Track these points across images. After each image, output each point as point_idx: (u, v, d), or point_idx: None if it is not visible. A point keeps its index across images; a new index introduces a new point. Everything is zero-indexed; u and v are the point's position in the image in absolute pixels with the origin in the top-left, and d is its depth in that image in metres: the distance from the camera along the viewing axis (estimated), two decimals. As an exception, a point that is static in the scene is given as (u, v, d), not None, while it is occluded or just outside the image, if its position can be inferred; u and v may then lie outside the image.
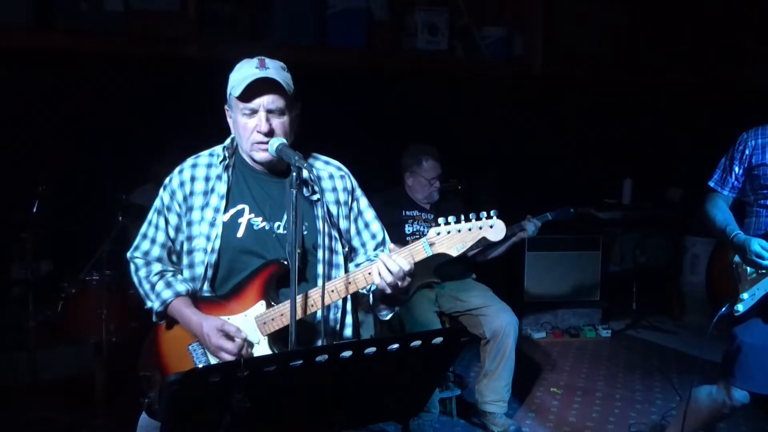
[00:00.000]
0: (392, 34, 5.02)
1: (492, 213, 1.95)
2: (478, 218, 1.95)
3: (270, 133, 2.01)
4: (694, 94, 5.98)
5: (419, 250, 1.98)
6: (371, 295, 2.13)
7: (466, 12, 5.24)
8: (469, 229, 1.95)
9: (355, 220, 2.23)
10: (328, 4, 4.71)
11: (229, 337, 1.99)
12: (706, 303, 2.94)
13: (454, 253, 1.97)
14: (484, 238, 1.95)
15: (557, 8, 5.54)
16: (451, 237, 1.96)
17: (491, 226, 1.94)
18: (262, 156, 2.05)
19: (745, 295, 2.65)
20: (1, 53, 3.82)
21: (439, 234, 1.97)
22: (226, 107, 2.12)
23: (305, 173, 1.95)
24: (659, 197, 6.19)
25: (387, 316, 2.15)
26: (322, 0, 4.70)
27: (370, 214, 2.27)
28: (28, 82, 4.08)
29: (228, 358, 1.99)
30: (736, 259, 2.71)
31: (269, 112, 2.01)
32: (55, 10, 3.98)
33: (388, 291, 1.97)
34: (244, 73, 2.02)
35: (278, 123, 2.03)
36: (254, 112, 2.01)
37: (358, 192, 2.25)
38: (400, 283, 1.96)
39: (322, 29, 4.71)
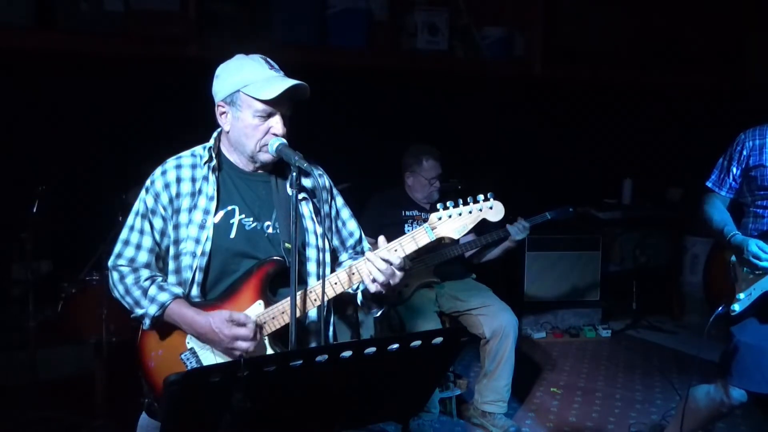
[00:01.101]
0: (392, 34, 5.02)
1: (489, 195, 2.02)
2: (476, 201, 2.02)
3: (283, 136, 2.03)
4: (694, 94, 5.98)
5: (422, 235, 2.00)
6: (360, 293, 2.12)
7: (466, 12, 5.25)
8: (470, 212, 2.01)
9: (334, 219, 2.24)
10: (328, 4, 4.71)
11: (241, 325, 1.97)
12: (706, 303, 2.95)
13: (456, 235, 2.02)
14: (484, 220, 2.02)
15: (557, 8, 5.55)
16: (453, 221, 2.01)
17: (490, 208, 2.02)
18: (267, 157, 2.05)
19: (741, 295, 2.65)
20: (1, 53, 3.82)
21: (440, 219, 2.01)
22: (221, 103, 2.06)
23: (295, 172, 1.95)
24: (659, 197, 6.18)
25: (378, 313, 2.16)
26: (322, 0, 4.70)
27: (346, 212, 2.28)
28: (28, 82, 4.07)
29: (244, 346, 1.96)
30: (733, 258, 2.72)
31: (283, 116, 2.03)
32: (55, 10, 3.98)
33: (383, 291, 1.99)
34: (260, 73, 2.01)
35: (287, 126, 2.05)
36: (270, 115, 2.01)
37: (335, 190, 2.26)
38: (392, 281, 1.98)
39: (322, 29, 4.71)
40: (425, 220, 3.85)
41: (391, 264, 1.96)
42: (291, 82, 1.98)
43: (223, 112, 2.06)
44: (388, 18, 4.97)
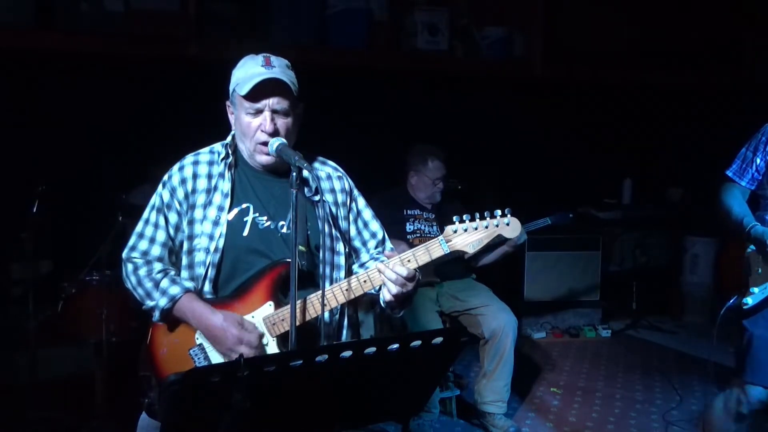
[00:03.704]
0: (392, 34, 5.03)
1: (506, 211, 2.00)
2: (493, 216, 1.99)
3: (274, 133, 2.01)
4: (694, 94, 5.99)
5: (436, 248, 1.99)
6: (382, 295, 2.10)
7: (466, 12, 5.25)
8: (486, 227, 1.99)
9: (355, 221, 2.22)
10: (328, 4, 4.72)
11: (249, 331, 1.98)
12: (706, 303, 2.93)
13: (471, 250, 2.01)
14: (500, 236, 2.01)
15: (557, 8, 5.55)
16: (469, 235, 1.99)
17: (507, 224, 2.00)
18: (263, 159, 2.05)
19: (755, 289, 2.59)
20: (1, 53, 3.82)
21: (456, 232, 1.99)
22: (228, 103, 2.09)
23: (305, 173, 1.95)
24: (659, 197, 6.19)
25: (400, 313, 2.15)
26: (322, 0, 4.70)
27: (368, 213, 2.27)
28: (29, 83, 4.08)
29: (245, 351, 1.95)
30: (749, 250, 2.63)
31: (274, 112, 2.01)
32: (55, 10, 3.99)
33: (395, 301, 1.99)
34: (249, 71, 2.00)
35: (282, 123, 2.02)
36: (259, 111, 2.00)
37: (356, 192, 2.25)
38: (404, 289, 1.97)
39: (322, 29, 4.71)
40: (426, 220, 3.87)
41: (402, 276, 1.95)
42: (264, 76, 1.97)
43: (231, 113, 2.09)
44: (388, 18, 4.97)
